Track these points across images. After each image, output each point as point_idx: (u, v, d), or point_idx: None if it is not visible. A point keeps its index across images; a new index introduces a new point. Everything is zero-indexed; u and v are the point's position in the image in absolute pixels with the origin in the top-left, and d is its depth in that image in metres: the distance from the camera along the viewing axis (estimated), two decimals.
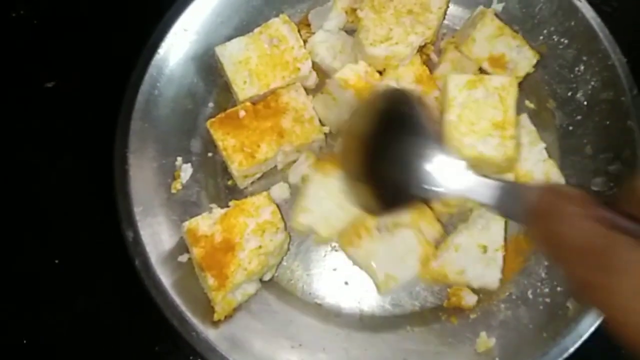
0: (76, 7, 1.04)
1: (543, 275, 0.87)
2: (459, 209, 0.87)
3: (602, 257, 0.39)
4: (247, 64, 0.91)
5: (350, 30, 0.96)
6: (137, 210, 0.85)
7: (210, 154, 0.93)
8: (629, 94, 0.87)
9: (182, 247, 0.86)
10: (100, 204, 0.88)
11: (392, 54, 0.88)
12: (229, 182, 0.93)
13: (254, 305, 0.86)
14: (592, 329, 0.79)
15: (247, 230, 0.82)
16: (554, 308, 0.83)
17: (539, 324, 0.83)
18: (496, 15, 0.94)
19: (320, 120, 0.91)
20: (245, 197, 0.88)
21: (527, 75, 0.93)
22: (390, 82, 0.89)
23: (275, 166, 0.92)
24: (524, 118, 0.88)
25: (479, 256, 0.82)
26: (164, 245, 0.86)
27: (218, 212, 0.84)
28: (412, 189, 0.64)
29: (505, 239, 0.85)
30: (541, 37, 0.95)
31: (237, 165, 0.87)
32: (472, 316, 0.86)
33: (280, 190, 0.91)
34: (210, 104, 0.96)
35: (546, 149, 0.88)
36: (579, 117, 0.92)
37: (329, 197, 0.84)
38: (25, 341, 0.87)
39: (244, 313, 0.85)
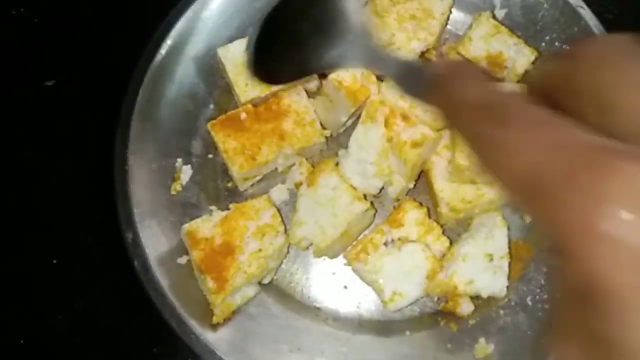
0: (77, 6, 1.03)
1: (542, 282, 0.87)
2: (465, 214, 0.87)
3: (495, 108, 0.38)
4: None
5: None
6: (137, 211, 0.85)
7: (210, 156, 0.93)
8: None
9: (181, 249, 0.86)
10: (100, 205, 0.88)
11: None
12: (229, 184, 0.93)
13: (253, 308, 0.86)
14: None
15: (247, 233, 0.82)
16: (553, 315, 0.83)
17: (538, 331, 0.83)
18: (499, 21, 0.94)
19: (321, 124, 0.90)
20: (246, 199, 0.88)
21: (526, 73, 0.92)
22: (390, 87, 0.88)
23: (276, 168, 0.92)
24: None
25: (486, 265, 0.81)
26: (163, 246, 0.85)
27: (218, 214, 0.84)
28: (313, 59, 0.61)
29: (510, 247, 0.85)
30: (543, 44, 0.95)
31: (238, 167, 0.86)
32: (471, 322, 0.86)
33: (279, 193, 0.91)
34: (211, 106, 0.95)
35: None
36: None
37: (322, 207, 0.84)
38: (22, 341, 0.87)
39: (243, 316, 0.85)
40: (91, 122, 0.95)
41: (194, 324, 0.81)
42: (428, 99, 0.48)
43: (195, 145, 0.93)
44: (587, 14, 0.93)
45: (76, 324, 0.88)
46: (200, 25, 0.94)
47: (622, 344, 0.30)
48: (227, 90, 0.94)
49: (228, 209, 0.85)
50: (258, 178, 0.92)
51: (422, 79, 0.47)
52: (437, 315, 0.87)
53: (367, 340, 0.86)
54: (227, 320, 0.83)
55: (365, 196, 0.86)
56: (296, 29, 0.63)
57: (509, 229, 0.86)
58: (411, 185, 0.88)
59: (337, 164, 0.87)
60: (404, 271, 0.82)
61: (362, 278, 0.86)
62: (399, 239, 0.84)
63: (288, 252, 0.89)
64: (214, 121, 0.88)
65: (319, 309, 0.88)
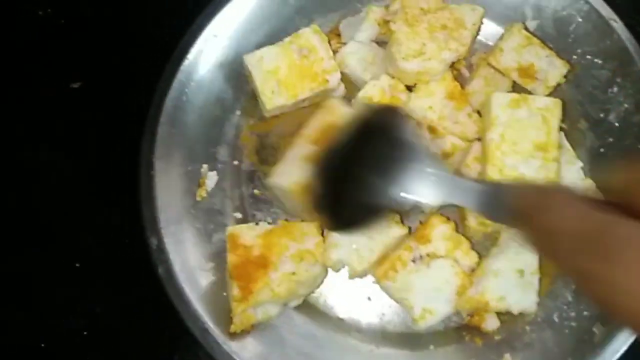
0: (105, 8, 1.03)
1: (569, 298, 0.85)
2: (493, 228, 0.85)
3: (598, 239, 0.35)
4: (276, 73, 0.90)
5: (382, 42, 0.95)
6: (162, 217, 0.85)
7: (236, 162, 0.93)
8: None
9: (206, 256, 0.85)
10: (124, 209, 0.87)
11: (425, 70, 0.87)
12: (255, 191, 0.92)
13: (276, 318, 0.85)
14: (619, 355, 0.78)
15: (286, 253, 0.81)
16: (580, 332, 0.82)
17: (565, 348, 0.81)
18: (530, 32, 0.93)
19: None
20: (269, 205, 0.86)
21: (558, 86, 0.92)
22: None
23: None
24: (560, 137, 0.87)
25: (517, 281, 0.80)
26: (187, 253, 0.85)
27: (264, 226, 0.83)
28: (386, 199, 0.60)
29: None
30: (575, 57, 0.94)
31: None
32: (497, 337, 0.84)
33: None
34: (238, 112, 0.95)
35: (582, 168, 0.86)
36: (610, 139, 0.91)
37: None
38: (43, 345, 0.86)
39: (265, 326, 0.84)
40: (117, 126, 0.94)
41: (217, 332, 0.81)
42: (516, 225, 0.45)
43: (221, 151, 0.93)
44: (619, 27, 0.91)
45: (96, 329, 0.87)
46: (227, 31, 0.94)
47: None
48: (254, 96, 0.94)
49: (253, 215, 0.84)
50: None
51: (507, 205, 0.45)
52: (462, 330, 0.86)
53: (391, 353, 0.85)
54: (244, 332, 0.82)
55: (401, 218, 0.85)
56: (359, 172, 0.61)
57: None
58: None
59: None
60: (433, 288, 0.81)
61: (390, 296, 0.85)
62: (427, 255, 0.83)
63: (322, 282, 0.87)
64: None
65: (342, 319, 0.87)
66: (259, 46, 0.92)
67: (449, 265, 0.82)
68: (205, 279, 0.84)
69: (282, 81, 0.89)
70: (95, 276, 0.89)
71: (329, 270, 0.86)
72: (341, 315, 0.87)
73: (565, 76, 0.92)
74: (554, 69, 0.91)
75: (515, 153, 0.79)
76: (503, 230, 0.86)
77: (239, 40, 0.94)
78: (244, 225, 0.83)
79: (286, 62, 0.90)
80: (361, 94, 0.87)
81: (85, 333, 0.87)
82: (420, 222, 0.88)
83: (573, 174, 0.86)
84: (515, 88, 0.93)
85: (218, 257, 0.86)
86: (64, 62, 1.00)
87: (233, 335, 0.81)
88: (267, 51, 0.91)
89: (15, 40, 1.01)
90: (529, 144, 0.80)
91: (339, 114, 0.83)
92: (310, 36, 0.91)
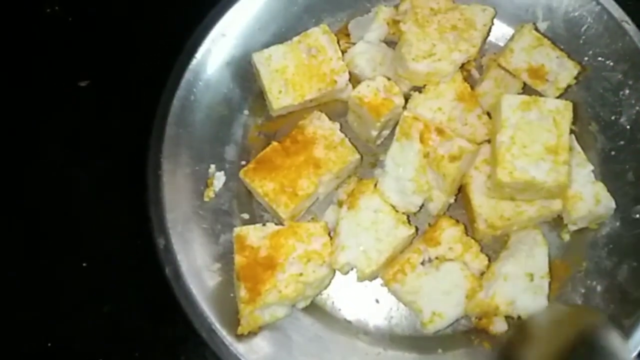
0: (112, 6, 1.02)
1: (579, 302, 0.85)
2: (502, 231, 0.85)
3: None
4: (283, 72, 0.89)
5: (391, 42, 0.94)
6: (170, 217, 0.85)
7: (243, 162, 0.92)
8: None
9: (213, 256, 0.85)
10: (132, 209, 0.87)
11: (435, 71, 0.86)
12: None
13: (283, 320, 0.84)
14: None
15: (293, 254, 0.81)
16: None
17: None
18: (541, 33, 0.92)
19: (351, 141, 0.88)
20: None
21: (569, 87, 0.91)
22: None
23: (317, 198, 0.90)
24: (571, 139, 0.86)
25: (527, 285, 0.79)
26: (195, 253, 0.84)
27: (271, 227, 0.82)
28: None
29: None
30: (586, 58, 0.93)
31: (284, 207, 0.83)
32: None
33: (334, 214, 0.88)
34: (245, 111, 0.94)
35: (593, 171, 0.86)
36: (621, 142, 0.90)
37: (364, 231, 0.82)
38: (50, 344, 0.86)
39: (273, 327, 0.83)
40: (124, 125, 0.94)
41: (224, 334, 0.80)
42: None
43: (228, 151, 0.92)
44: (632, 29, 0.91)
45: (104, 328, 0.87)
46: (236, 30, 0.94)
47: None
48: (261, 96, 0.93)
49: (261, 216, 0.83)
50: (303, 212, 0.89)
51: None
52: (470, 334, 0.85)
53: (399, 356, 0.84)
54: (252, 333, 0.82)
55: (408, 218, 0.84)
56: None
57: (549, 247, 0.83)
58: (452, 200, 0.86)
59: (376, 185, 0.84)
60: (442, 291, 0.80)
61: (399, 299, 0.84)
62: (437, 257, 0.82)
63: (329, 284, 0.86)
64: (245, 169, 0.86)
65: (349, 322, 0.87)
66: (267, 46, 0.91)
67: (458, 268, 0.81)
68: (212, 279, 0.84)
69: (290, 80, 0.89)
70: (103, 276, 0.89)
71: (337, 272, 0.86)
72: (349, 318, 0.87)
73: (576, 78, 0.91)
74: (564, 71, 0.90)
75: (525, 156, 0.78)
76: (512, 233, 0.85)
77: (247, 39, 0.94)
78: (251, 227, 0.82)
79: (294, 61, 0.89)
80: (354, 93, 0.86)
81: (92, 333, 0.87)
82: (429, 224, 0.88)
83: (584, 177, 0.85)
84: (526, 90, 0.92)
85: (225, 258, 0.85)
86: (71, 61, 1.00)
87: (240, 337, 0.81)
88: (276, 50, 0.90)
89: (22, 38, 1.01)
90: (540, 147, 0.79)
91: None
92: (319, 36, 0.90)
